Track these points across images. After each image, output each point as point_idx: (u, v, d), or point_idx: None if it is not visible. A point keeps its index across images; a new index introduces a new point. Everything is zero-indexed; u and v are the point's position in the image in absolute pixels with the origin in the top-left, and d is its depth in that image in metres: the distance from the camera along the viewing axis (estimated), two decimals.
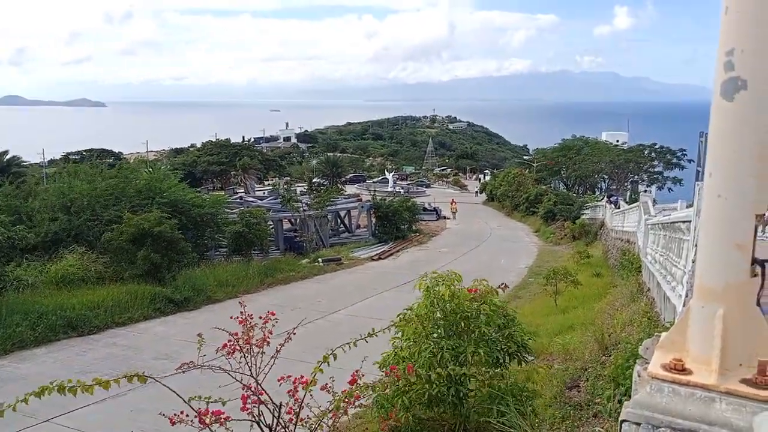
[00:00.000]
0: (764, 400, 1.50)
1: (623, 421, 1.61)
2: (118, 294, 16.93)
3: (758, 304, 1.67)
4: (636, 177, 66.86)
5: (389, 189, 70.58)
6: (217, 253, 26.80)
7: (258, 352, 5.18)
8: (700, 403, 1.56)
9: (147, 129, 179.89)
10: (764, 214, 1.63)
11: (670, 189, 63.75)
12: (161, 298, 17.65)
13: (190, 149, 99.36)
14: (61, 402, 9.60)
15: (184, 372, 4.71)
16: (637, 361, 1.97)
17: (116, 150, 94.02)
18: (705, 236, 1.68)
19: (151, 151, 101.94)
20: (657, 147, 70.04)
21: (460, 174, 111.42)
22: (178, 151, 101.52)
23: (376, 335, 5.15)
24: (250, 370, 5.03)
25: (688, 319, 1.75)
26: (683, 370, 1.64)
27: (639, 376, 1.80)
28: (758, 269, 1.66)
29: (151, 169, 29.50)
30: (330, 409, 4.75)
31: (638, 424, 1.58)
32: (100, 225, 20.79)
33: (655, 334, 2.01)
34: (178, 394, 4.44)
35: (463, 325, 6.81)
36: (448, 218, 54.17)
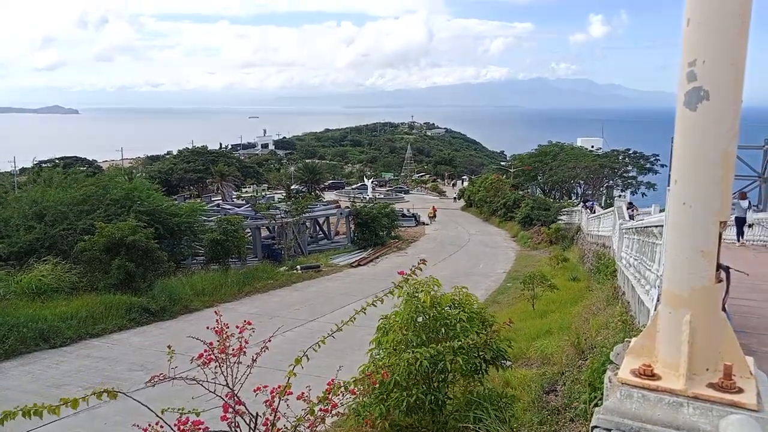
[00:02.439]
0: (729, 403, 1.53)
1: (594, 427, 1.63)
2: (92, 304, 16.58)
3: (723, 309, 1.70)
4: (611, 182, 67.89)
5: (368, 195, 70.57)
6: (194, 261, 26.48)
7: (234, 362, 5.12)
8: (669, 408, 1.58)
9: (122, 136, 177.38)
10: (727, 222, 1.66)
11: (643, 194, 64.82)
12: (136, 308, 17.34)
13: (166, 156, 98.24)
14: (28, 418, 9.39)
15: (153, 386, 4.62)
16: (608, 366, 1.99)
17: (90, 158, 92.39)
18: (671, 243, 1.71)
19: (126, 159, 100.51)
20: (631, 152, 71.33)
21: (438, 180, 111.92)
22: (153, 159, 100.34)
23: (341, 329, 5.12)
24: (226, 380, 4.96)
25: (656, 325, 1.78)
26: (652, 376, 1.67)
27: (610, 381, 1.82)
28: (723, 275, 1.69)
29: (129, 178, 28.98)
30: (305, 416, 4.71)
31: (609, 430, 1.59)
32: (75, 234, 20.38)
33: (626, 339, 2.04)
34: (149, 408, 4.35)
35: (444, 332, 6.83)
36: (427, 224, 54.37)
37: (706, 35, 1.58)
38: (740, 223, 17.51)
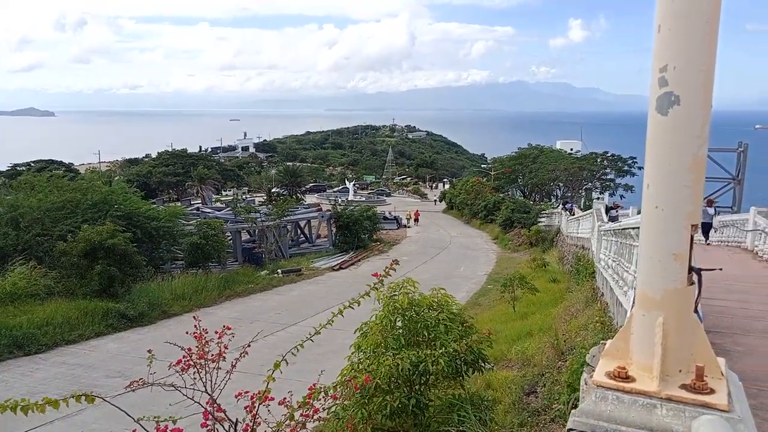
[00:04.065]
0: (701, 404, 1.55)
1: (570, 430, 1.63)
2: (69, 310, 16.29)
3: (695, 310, 1.73)
4: (589, 184, 68.74)
5: (350, 198, 70.58)
6: (174, 266, 26.16)
7: (213, 368, 5.06)
8: (642, 409, 1.59)
9: (99, 139, 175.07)
10: (699, 225, 1.69)
11: (622, 196, 65.74)
12: (114, 314, 17.07)
13: (145, 160, 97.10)
14: (4, 426, 9.18)
15: (134, 390, 4.55)
16: (584, 368, 2.01)
17: (67, 161, 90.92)
18: (644, 246, 1.74)
19: (104, 162, 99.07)
20: (609, 155, 72.36)
21: (420, 183, 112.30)
22: (132, 162, 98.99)
23: (320, 332, 5.10)
24: (205, 386, 4.90)
25: (630, 327, 1.80)
26: (626, 378, 1.68)
27: (586, 383, 1.83)
28: (695, 277, 1.72)
29: (109, 183, 28.48)
30: (284, 421, 4.67)
31: None
32: (51, 240, 20.02)
33: (601, 342, 2.06)
34: (127, 413, 4.28)
35: (426, 334, 6.83)
36: (409, 227, 54.49)
37: (677, 41, 1.60)
38: (706, 227, 19.70)
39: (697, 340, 1.69)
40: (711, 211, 20.05)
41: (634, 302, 1.93)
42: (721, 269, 2.68)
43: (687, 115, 1.61)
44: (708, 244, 20.05)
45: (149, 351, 4.89)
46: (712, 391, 1.59)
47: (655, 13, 1.67)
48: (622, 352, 1.80)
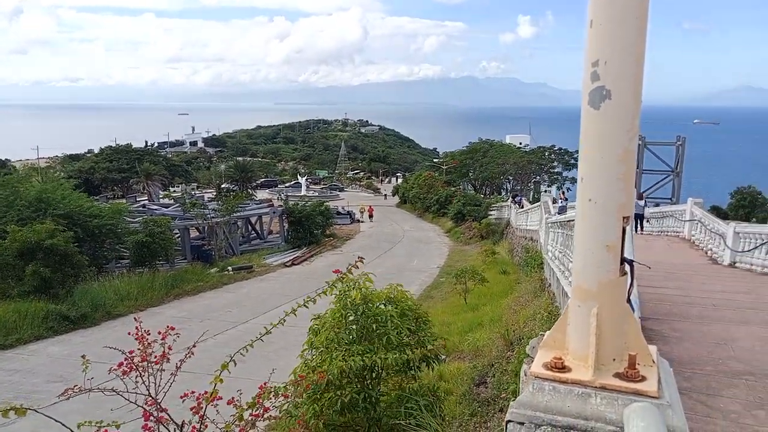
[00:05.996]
0: (633, 392, 1.59)
1: (508, 421, 1.65)
2: (5, 313, 15.55)
3: (628, 300, 1.77)
4: (538, 177, 70.42)
5: (302, 193, 69.97)
6: (118, 265, 25.31)
7: (157, 370, 4.89)
8: (578, 399, 1.62)
9: (37, 134, 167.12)
10: (631, 216, 1.72)
11: (568, 188, 67.57)
12: (55, 316, 16.38)
13: (87, 155, 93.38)
14: None
15: (69, 398, 4.34)
16: (525, 360, 2.03)
17: (2, 157, 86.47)
18: (579, 239, 1.76)
19: (43, 158, 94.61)
20: (556, 149, 74.28)
21: (373, 177, 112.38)
22: (73, 158, 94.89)
23: (270, 332, 5.02)
24: (148, 389, 4.73)
25: (567, 318, 1.82)
26: (563, 368, 1.71)
27: (525, 375, 1.85)
28: (627, 268, 1.76)
29: (42, 179, 27.23)
30: (233, 421, 4.57)
31: (522, 423, 1.62)
32: None
33: (540, 333, 2.08)
34: (63, 424, 4.09)
35: (374, 328, 6.82)
36: (362, 221, 54.48)
37: (608, 36, 1.62)
38: (638, 218, 21.66)
39: (630, 329, 1.73)
40: (641, 203, 22.06)
41: None
42: (649, 267, 2.78)
43: (618, 109, 1.63)
44: (642, 234, 21.48)
45: (83, 356, 4.68)
46: (643, 379, 1.63)
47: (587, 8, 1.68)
48: (559, 342, 1.83)
